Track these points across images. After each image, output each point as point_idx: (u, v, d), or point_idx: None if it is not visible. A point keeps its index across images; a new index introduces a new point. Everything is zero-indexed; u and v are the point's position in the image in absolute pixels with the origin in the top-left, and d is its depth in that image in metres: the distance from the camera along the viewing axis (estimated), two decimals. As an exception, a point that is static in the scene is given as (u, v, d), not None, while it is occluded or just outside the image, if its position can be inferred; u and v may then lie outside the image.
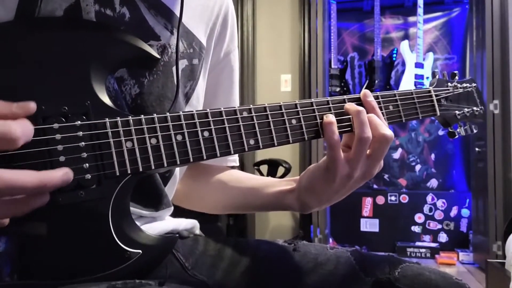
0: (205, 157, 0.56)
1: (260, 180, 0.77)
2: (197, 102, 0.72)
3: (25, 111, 0.46)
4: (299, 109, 0.63)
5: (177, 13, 0.66)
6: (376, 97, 0.69)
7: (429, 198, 3.76)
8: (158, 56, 0.59)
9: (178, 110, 0.62)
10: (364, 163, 0.63)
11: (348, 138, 0.66)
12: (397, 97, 0.71)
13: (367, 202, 3.79)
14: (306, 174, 0.68)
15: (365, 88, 3.32)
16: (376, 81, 3.84)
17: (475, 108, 0.81)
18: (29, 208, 0.45)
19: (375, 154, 0.63)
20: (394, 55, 3.98)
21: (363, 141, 0.61)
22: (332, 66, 3.80)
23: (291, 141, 0.62)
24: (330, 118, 0.62)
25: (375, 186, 4.04)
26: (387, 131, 0.63)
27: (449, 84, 0.79)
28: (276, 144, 0.61)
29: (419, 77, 3.70)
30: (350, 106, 0.65)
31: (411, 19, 4.03)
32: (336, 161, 0.61)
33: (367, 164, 0.63)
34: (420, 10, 3.72)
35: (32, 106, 0.46)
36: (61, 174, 0.46)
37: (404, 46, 3.80)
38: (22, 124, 0.44)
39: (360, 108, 0.63)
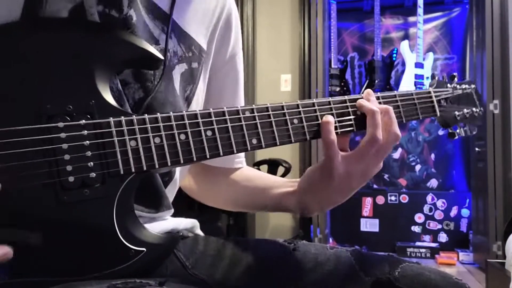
0: (208, 156, 0.57)
1: (267, 181, 0.77)
2: (197, 106, 0.72)
3: None
4: (301, 109, 0.64)
5: (174, 17, 0.66)
6: (377, 98, 0.70)
7: (429, 198, 3.76)
8: (162, 57, 0.60)
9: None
10: (367, 162, 0.64)
11: (343, 140, 0.66)
12: (398, 98, 0.72)
13: (367, 202, 3.79)
14: (305, 175, 0.68)
15: (365, 88, 3.32)
16: (376, 81, 3.84)
17: (474, 109, 0.82)
18: None
19: (381, 152, 0.64)
20: (394, 55, 3.98)
21: (374, 141, 0.63)
22: (332, 66, 3.80)
23: (293, 141, 0.63)
24: (328, 118, 0.64)
25: (375, 186, 4.04)
26: (398, 130, 0.65)
27: (449, 85, 0.80)
28: (278, 143, 0.62)
29: (419, 77, 3.70)
30: (366, 104, 0.65)
31: (411, 19, 4.03)
32: (332, 160, 0.62)
33: (369, 162, 0.64)
34: (420, 10, 3.72)
35: None
36: None
37: (404, 46, 3.80)
38: None
39: (376, 109, 0.64)
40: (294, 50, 3.57)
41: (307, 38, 3.49)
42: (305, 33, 3.51)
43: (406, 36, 4.06)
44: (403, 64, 3.83)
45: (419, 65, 3.73)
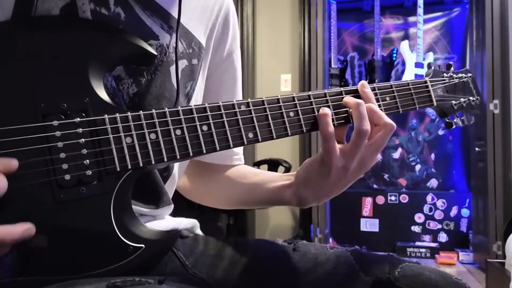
0: (204, 151, 0.57)
1: (263, 176, 0.77)
2: (196, 102, 0.72)
3: (6, 168, 0.46)
4: (296, 101, 0.64)
5: (173, 13, 0.66)
6: (373, 89, 0.69)
7: (429, 198, 3.76)
8: (155, 53, 0.60)
9: None
10: (361, 155, 0.63)
11: (340, 132, 0.66)
12: (394, 88, 0.71)
13: (367, 202, 3.79)
14: (303, 168, 0.68)
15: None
16: (376, 81, 3.85)
17: (471, 98, 0.82)
18: None
19: (376, 144, 0.64)
20: (394, 55, 3.99)
21: (362, 134, 0.62)
22: (332, 66, 3.80)
23: (289, 134, 0.63)
24: (325, 110, 0.63)
25: (375, 186, 4.04)
26: (389, 120, 0.64)
27: (445, 74, 0.80)
28: (275, 136, 0.62)
29: (419, 77, 3.69)
30: (349, 99, 0.65)
31: (411, 19, 4.03)
32: (330, 153, 0.62)
33: (365, 155, 0.64)
34: (420, 10, 3.72)
35: (13, 163, 0.47)
36: (21, 230, 0.46)
37: (404, 46, 3.80)
38: None
39: (360, 100, 0.64)
40: (294, 50, 3.57)
41: (307, 38, 3.49)
42: (305, 33, 3.52)
43: (406, 36, 4.06)
44: (403, 64, 3.83)
45: (419, 65, 3.73)
